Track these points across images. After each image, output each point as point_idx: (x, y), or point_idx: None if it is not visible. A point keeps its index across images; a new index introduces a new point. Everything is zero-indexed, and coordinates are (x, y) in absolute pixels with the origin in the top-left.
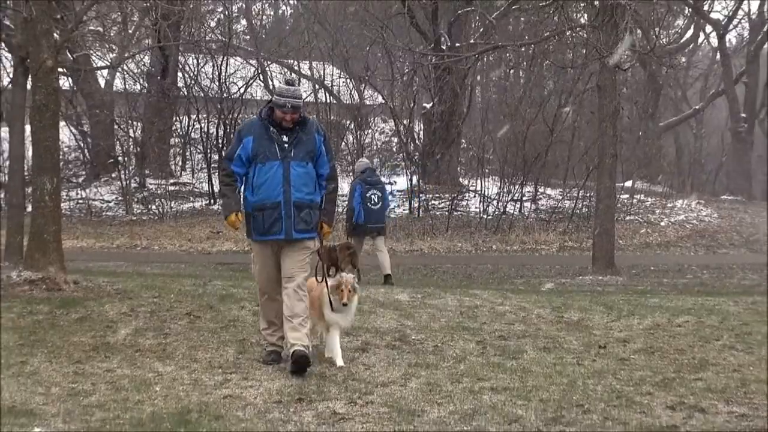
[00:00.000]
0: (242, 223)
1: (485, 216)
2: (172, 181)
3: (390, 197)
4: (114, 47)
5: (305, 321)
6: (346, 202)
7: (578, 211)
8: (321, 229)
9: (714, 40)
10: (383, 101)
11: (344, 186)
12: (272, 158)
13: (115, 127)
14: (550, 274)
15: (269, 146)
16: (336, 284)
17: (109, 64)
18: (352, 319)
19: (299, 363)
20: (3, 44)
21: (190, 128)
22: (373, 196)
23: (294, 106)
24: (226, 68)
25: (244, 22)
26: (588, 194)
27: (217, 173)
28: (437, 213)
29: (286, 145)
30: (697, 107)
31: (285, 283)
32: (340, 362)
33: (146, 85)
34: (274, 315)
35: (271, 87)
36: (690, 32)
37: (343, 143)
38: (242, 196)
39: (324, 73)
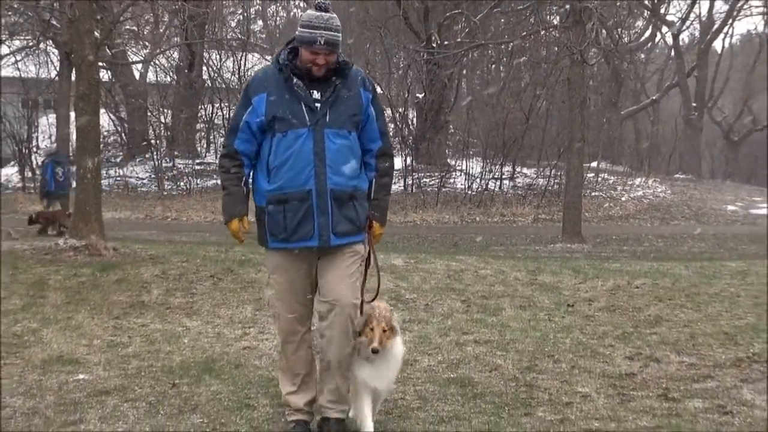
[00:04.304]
0: (249, 231)
1: (470, 192)
2: (198, 161)
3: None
4: (147, 44)
5: (349, 371)
6: (40, 177)
7: (550, 187)
8: (370, 230)
9: (669, 39)
10: (381, 92)
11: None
12: (298, 125)
13: (148, 114)
14: (526, 242)
15: (292, 106)
16: (364, 320)
17: (142, 59)
18: (391, 378)
19: None
20: (51, 42)
21: (214, 115)
22: (59, 171)
23: (329, 42)
24: (245, 63)
25: (260, 22)
26: (559, 173)
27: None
28: (428, 189)
29: (318, 105)
30: (654, 97)
31: (326, 313)
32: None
33: (175, 77)
34: (305, 368)
35: None
36: (648, 32)
37: None
38: (253, 184)
39: None
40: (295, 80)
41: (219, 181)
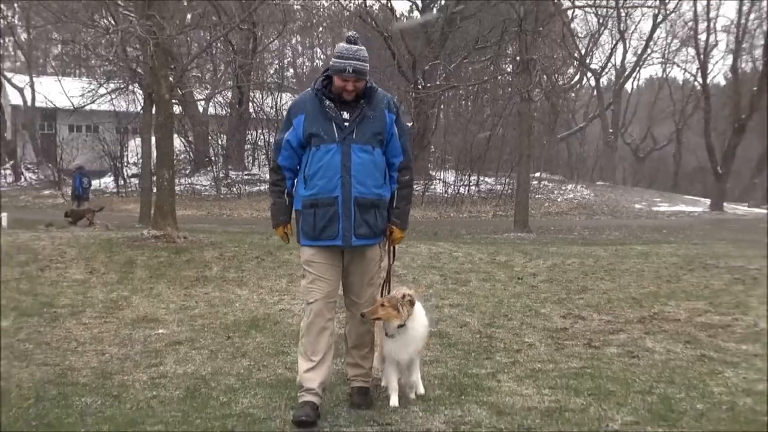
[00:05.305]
0: (292, 233)
1: (446, 195)
2: (246, 172)
3: None
4: (208, 86)
5: (371, 352)
6: (71, 185)
7: (505, 191)
8: (390, 235)
9: (593, 82)
10: None
11: None
12: (328, 140)
13: (209, 137)
14: (487, 232)
15: (324, 125)
16: (393, 302)
17: (204, 97)
18: (415, 350)
19: (361, 399)
20: (137, 84)
21: (258, 139)
22: (85, 181)
23: (357, 71)
24: (280, 99)
25: (291, 70)
26: (511, 181)
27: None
28: (414, 193)
29: (346, 124)
30: (581, 125)
31: (349, 306)
32: (393, 401)
33: (229, 110)
34: (324, 348)
35: None
36: (577, 77)
37: None
38: (295, 191)
39: None
40: (327, 102)
41: (265, 188)
